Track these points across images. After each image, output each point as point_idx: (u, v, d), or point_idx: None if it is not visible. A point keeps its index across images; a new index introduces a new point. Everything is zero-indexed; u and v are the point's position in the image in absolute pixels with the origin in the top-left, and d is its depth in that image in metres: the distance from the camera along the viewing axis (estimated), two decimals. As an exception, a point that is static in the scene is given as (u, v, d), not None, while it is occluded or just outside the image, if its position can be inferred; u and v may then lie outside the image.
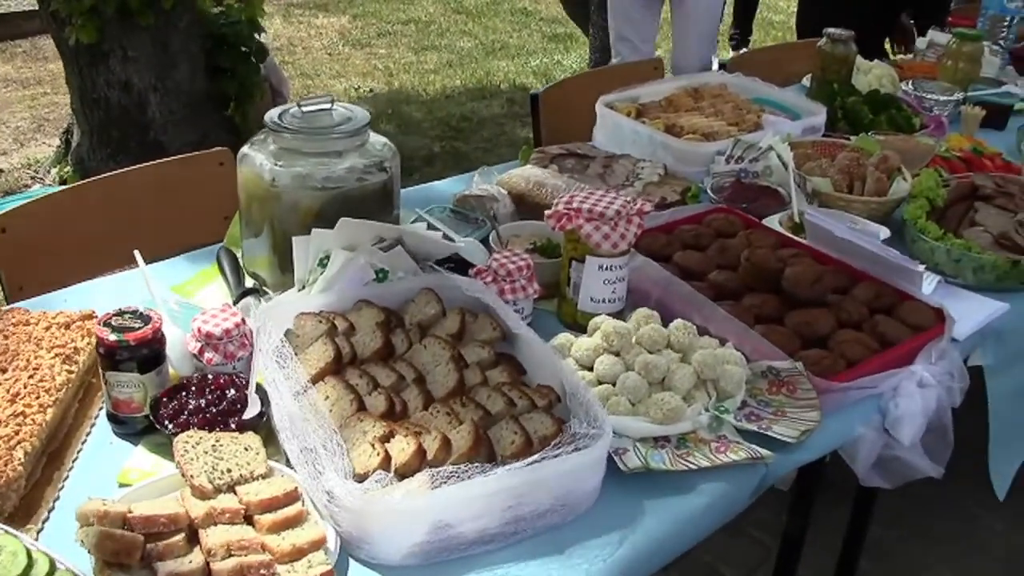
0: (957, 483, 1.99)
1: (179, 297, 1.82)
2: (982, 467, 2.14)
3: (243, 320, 1.60)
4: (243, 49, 4.99)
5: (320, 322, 1.65)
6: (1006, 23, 3.52)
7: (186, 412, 1.47)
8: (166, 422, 1.46)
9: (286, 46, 7.50)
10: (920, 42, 3.57)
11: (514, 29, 8.02)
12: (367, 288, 1.73)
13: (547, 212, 1.82)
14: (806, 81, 3.28)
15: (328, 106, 1.85)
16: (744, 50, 7.12)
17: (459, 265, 1.87)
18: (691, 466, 1.48)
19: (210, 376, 1.54)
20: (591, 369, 1.66)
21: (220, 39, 4.92)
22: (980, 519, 3.04)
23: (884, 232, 2.16)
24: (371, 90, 6.62)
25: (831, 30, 3.05)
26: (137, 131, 4.70)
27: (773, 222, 2.20)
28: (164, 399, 1.50)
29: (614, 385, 1.61)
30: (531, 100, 2.91)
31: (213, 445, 1.39)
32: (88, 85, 4.63)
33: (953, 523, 3.02)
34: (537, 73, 6.98)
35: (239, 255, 1.97)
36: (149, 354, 1.50)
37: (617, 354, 1.65)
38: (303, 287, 1.77)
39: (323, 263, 1.74)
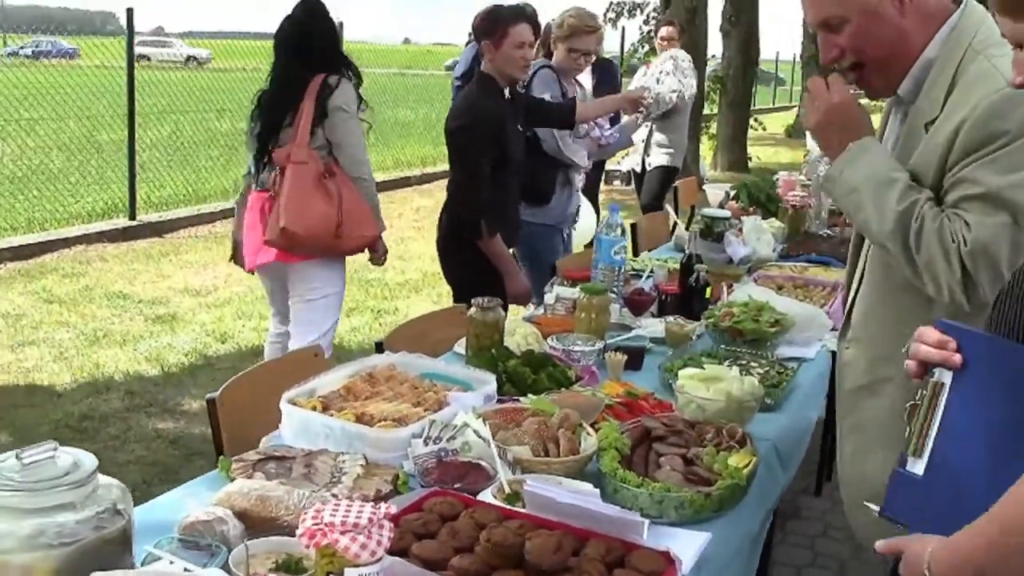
0: None
1: None
2: None
3: None
4: None
5: None
6: (616, 272, 3.95)
7: None
8: None
9: None
10: (548, 297, 3.92)
11: (114, 315, 7.84)
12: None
13: (298, 531, 1.82)
14: (457, 347, 3.48)
15: (52, 453, 1.77)
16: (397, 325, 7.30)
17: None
18: None
19: None
20: None
21: None
22: None
23: (590, 487, 2.34)
24: (-30, 398, 6.18)
25: (478, 299, 3.29)
26: None
27: (487, 496, 2.31)
28: None
29: None
30: (208, 404, 2.88)
31: None
32: None
33: None
34: (150, 359, 6.82)
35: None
36: None
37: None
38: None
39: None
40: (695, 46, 13.28)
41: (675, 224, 6.49)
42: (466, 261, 4.57)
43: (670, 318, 3.62)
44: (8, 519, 1.69)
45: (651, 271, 4.24)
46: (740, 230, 4.98)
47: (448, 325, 3.70)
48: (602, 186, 8.98)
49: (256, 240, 4.63)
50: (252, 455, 2.53)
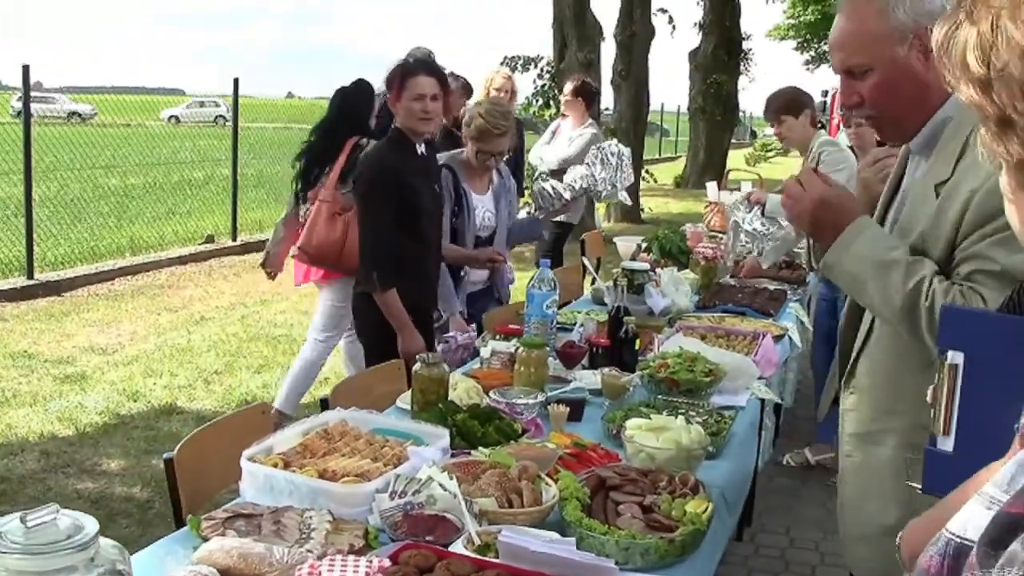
0: None
1: None
2: None
3: None
4: None
5: None
6: (550, 326, 4.07)
7: None
8: None
9: None
10: (483, 352, 4.01)
11: (21, 375, 7.68)
12: None
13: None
14: (400, 402, 3.55)
15: (54, 516, 1.80)
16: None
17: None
18: None
19: None
20: None
21: None
22: None
23: (557, 536, 2.43)
24: None
25: (422, 355, 3.38)
26: None
27: (458, 547, 2.39)
28: None
29: None
30: (165, 464, 2.90)
31: None
32: None
33: None
34: (62, 419, 6.70)
35: None
36: None
37: None
38: None
39: None
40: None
41: (584, 271, 6.65)
42: (374, 316, 4.57)
43: (605, 370, 3.73)
44: (10, 582, 1.72)
45: (582, 324, 4.36)
46: (657, 282, 5.14)
47: (387, 380, 3.78)
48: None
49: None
50: (220, 513, 2.56)
